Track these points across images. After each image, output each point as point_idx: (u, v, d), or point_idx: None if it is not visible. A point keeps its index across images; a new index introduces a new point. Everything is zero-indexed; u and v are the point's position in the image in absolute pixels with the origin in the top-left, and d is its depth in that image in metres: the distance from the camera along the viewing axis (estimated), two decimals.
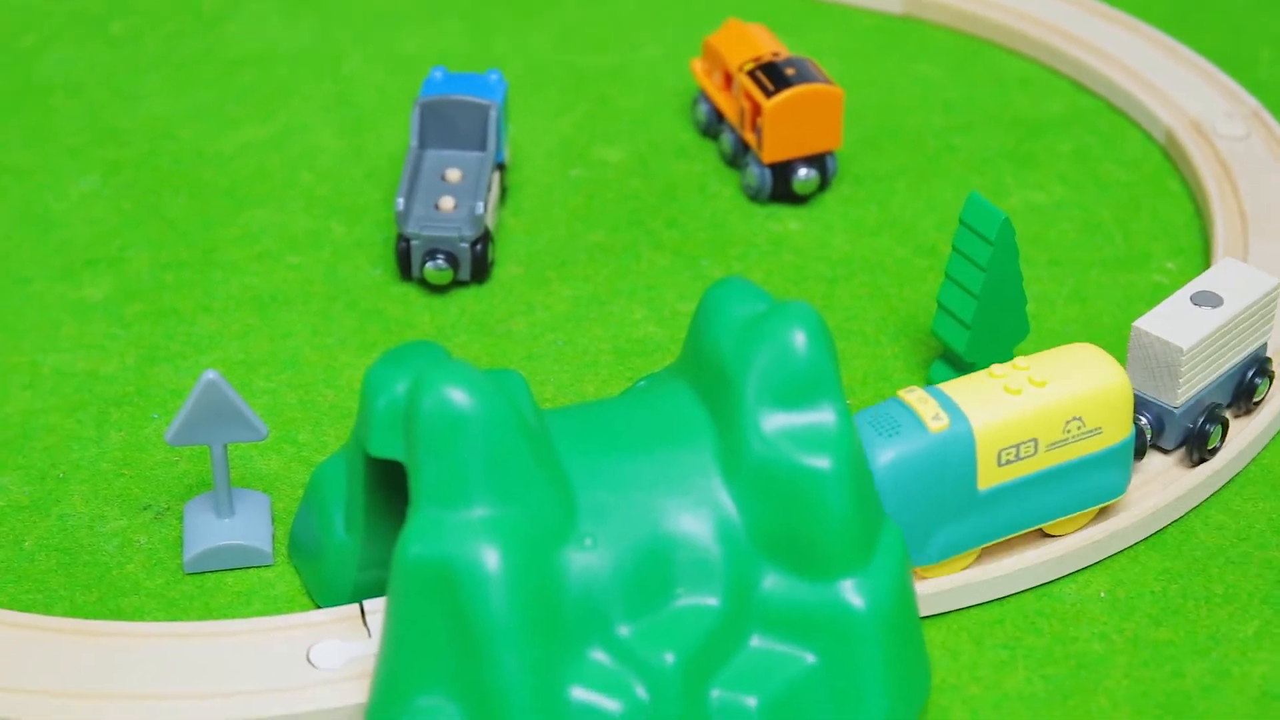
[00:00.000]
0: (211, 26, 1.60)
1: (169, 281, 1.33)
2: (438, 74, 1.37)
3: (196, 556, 1.11)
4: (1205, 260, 1.35)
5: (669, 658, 0.97)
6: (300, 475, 1.18)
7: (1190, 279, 1.33)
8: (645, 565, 0.98)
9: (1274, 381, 1.19)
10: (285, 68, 1.55)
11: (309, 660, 1.03)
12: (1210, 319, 1.14)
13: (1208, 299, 1.15)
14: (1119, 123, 1.50)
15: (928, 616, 1.09)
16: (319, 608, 1.09)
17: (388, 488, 1.05)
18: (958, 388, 1.07)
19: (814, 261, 1.36)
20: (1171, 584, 1.11)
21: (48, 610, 1.09)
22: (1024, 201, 1.41)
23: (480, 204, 1.31)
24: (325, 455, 1.19)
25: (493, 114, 1.34)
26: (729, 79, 1.43)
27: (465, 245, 1.31)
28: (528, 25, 1.60)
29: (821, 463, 0.98)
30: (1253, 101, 1.47)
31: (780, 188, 1.40)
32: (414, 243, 1.31)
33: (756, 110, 1.38)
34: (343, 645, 1.04)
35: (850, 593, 0.99)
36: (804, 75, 1.38)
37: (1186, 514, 1.16)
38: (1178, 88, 1.49)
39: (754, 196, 1.41)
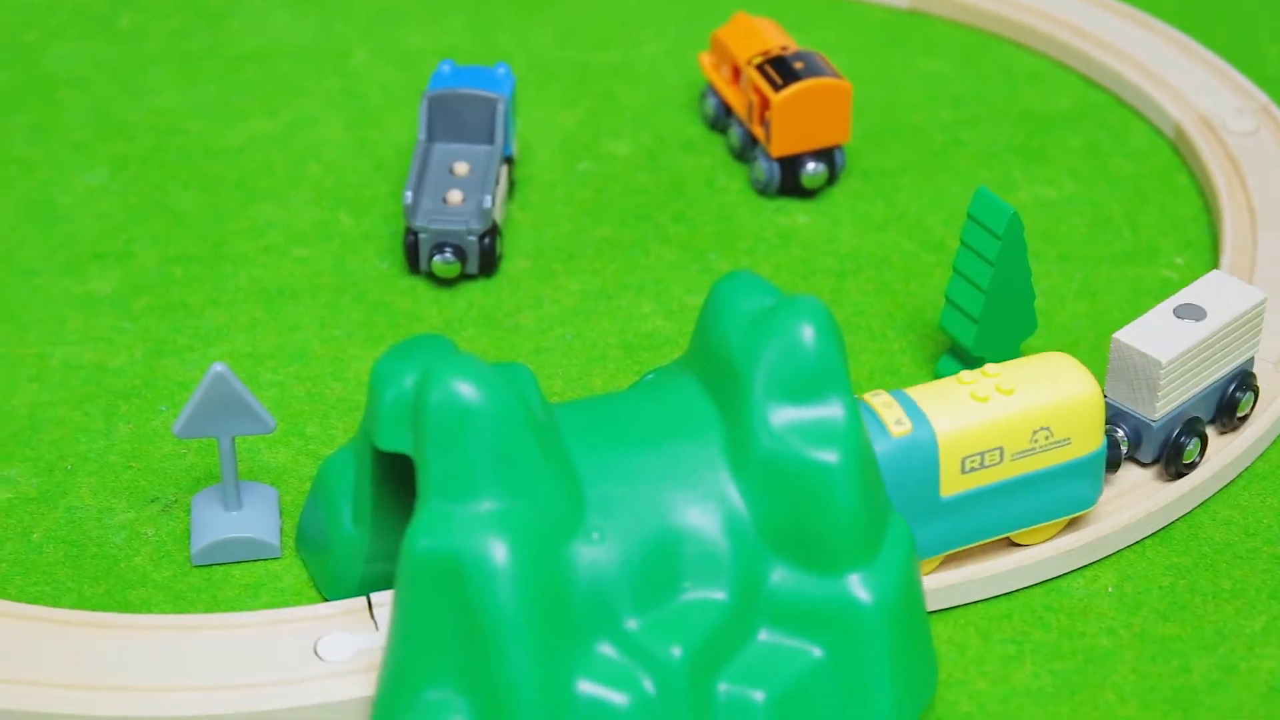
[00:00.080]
0: (217, 21, 1.60)
1: (176, 275, 1.33)
2: (446, 67, 1.37)
3: (204, 549, 1.11)
4: (1214, 255, 1.35)
5: (676, 651, 0.97)
6: (308, 468, 1.18)
7: (1199, 274, 1.33)
8: (653, 559, 0.98)
9: (1259, 396, 1.17)
10: (290, 62, 1.55)
11: (316, 653, 1.03)
12: (1192, 332, 1.12)
13: (1191, 312, 1.13)
14: (1128, 117, 1.49)
15: (935, 611, 1.09)
16: (326, 601, 1.09)
17: (395, 481, 1.05)
18: (924, 393, 1.06)
19: (822, 256, 1.36)
20: (1179, 579, 1.11)
21: (55, 602, 1.09)
22: (1032, 196, 1.41)
23: (488, 197, 1.31)
24: (333, 448, 1.19)
25: (501, 108, 1.34)
26: (737, 73, 1.43)
27: (473, 239, 1.31)
28: (531, 21, 1.60)
29: (829, 457, 0.98)
30: (1262, 97, 1.47)
31: (788, 182, 1.40)
32: (422, 236, 1.31)
33: (765, 104, 1.38)
34: (350, 638, 1.04)
35: (857, 587, 0.99)
36: (812, 69, 1.38)
37: (1194, 509, 1.16)
38: (1187, 83, 1.49)
39: (762, 190, 1.41)
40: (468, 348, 1.27)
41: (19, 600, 1.09)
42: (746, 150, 1.43)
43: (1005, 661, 1.06)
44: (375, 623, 1.05)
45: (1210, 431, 1.17)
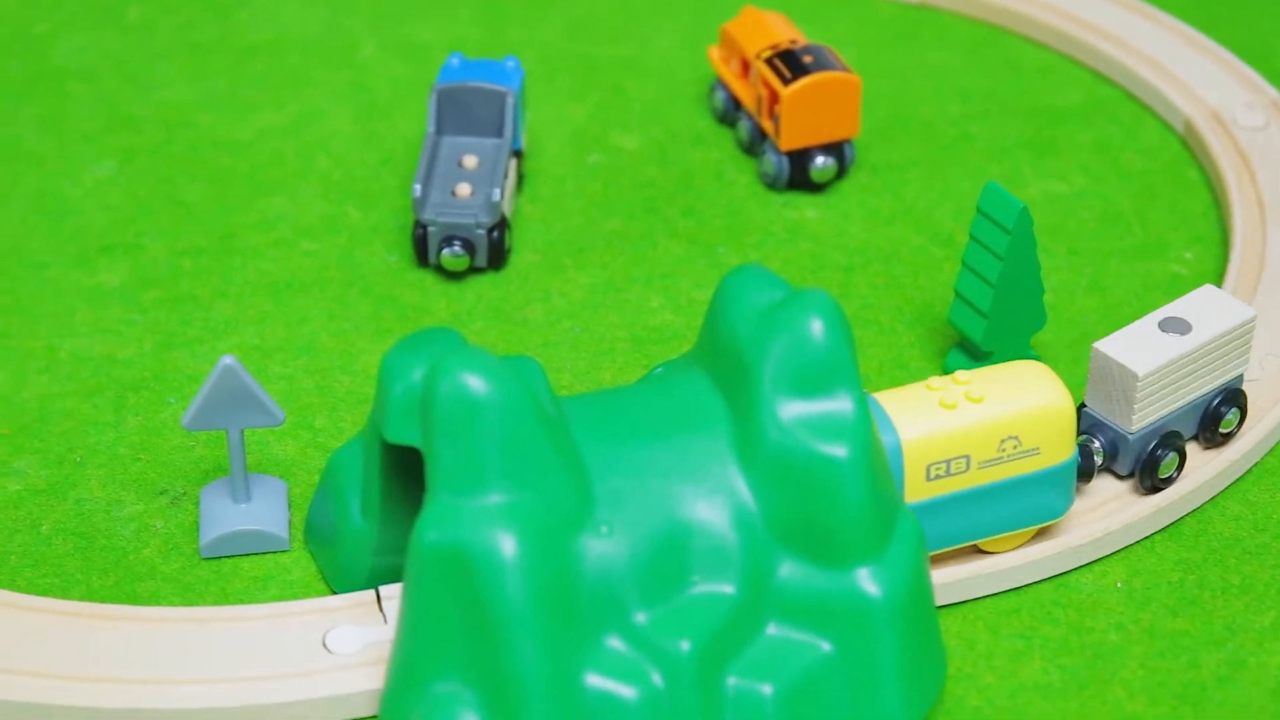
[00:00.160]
0: (225, 14, 1.60)
1: (186, 267, 1.33)
2: (455, 60, 1.37)
3: (213, 541, 1.11)
4: (1224, 250, 1.35)
5: (685, 645, 0.97)
6: (317, 461, 1.18)
7: (1209, 269, 1.33)
8: (661, 552, 0.98)
9: (1246, 415, 1.16)
10: (299, 55, 1.55)
11: (325, 646, 1.03)
12: (1173, 346, 1.11)
13: (1176, 325, 1.12)
14: (1138, 112, 1.49)
15: (944, 606, 1.08)
16: (335, 593, 1.09)
17: (404, 474, 1.05)
18: (891, 398, 1.05)
19: (831, 250, 1.35)
20: (1188, 574, 1.11)
21: (64, 594, 1.09)
22: (1042, 191, 1.41)
23: (497, 191, 1.31)
24: (342, 441, 1.19)
25: (510, 101, 1.34)
26: (746, 66, 1.43)
27: (482, 232, 1.31)
28: (541, 14, 1.60)
29: (838, 451, 0.98)
30: (1273, 92, 1.46)
31: (797, 175, 1.40)
32: (431, 229, 1.31)
33: (774, 98, 1.38)
34: (359, 631, 1.04)
35: (866, 581, 0.99)
36: (822, 63, 1.38)
37: (1204, 504, 1.16)
38: (1197, 78, 1.48)
39: (771, 184, 1.41)
40: (476, 341, 1.27)
41: (28, 592, 1.09)
42: (755, 144, 1.43)
43: (1014, 656, 1.06)
44: (384, 615, 1.05)
45: (1194, 447, 1.15)
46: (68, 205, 1.39)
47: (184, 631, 1.04)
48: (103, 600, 1.09)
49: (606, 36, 1.58)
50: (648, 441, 1.01)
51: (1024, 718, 1.03)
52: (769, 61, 1.39)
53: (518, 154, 1.39)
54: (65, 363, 1.25)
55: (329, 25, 1.59)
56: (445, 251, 1.31)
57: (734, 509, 0.99)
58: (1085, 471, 1.11)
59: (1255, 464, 1.18)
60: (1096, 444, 1.12)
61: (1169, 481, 1.13)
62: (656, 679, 0.96)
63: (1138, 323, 1.13)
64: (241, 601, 1.09)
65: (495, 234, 1.31)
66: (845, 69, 1.38)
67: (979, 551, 1.09)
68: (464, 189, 1.32)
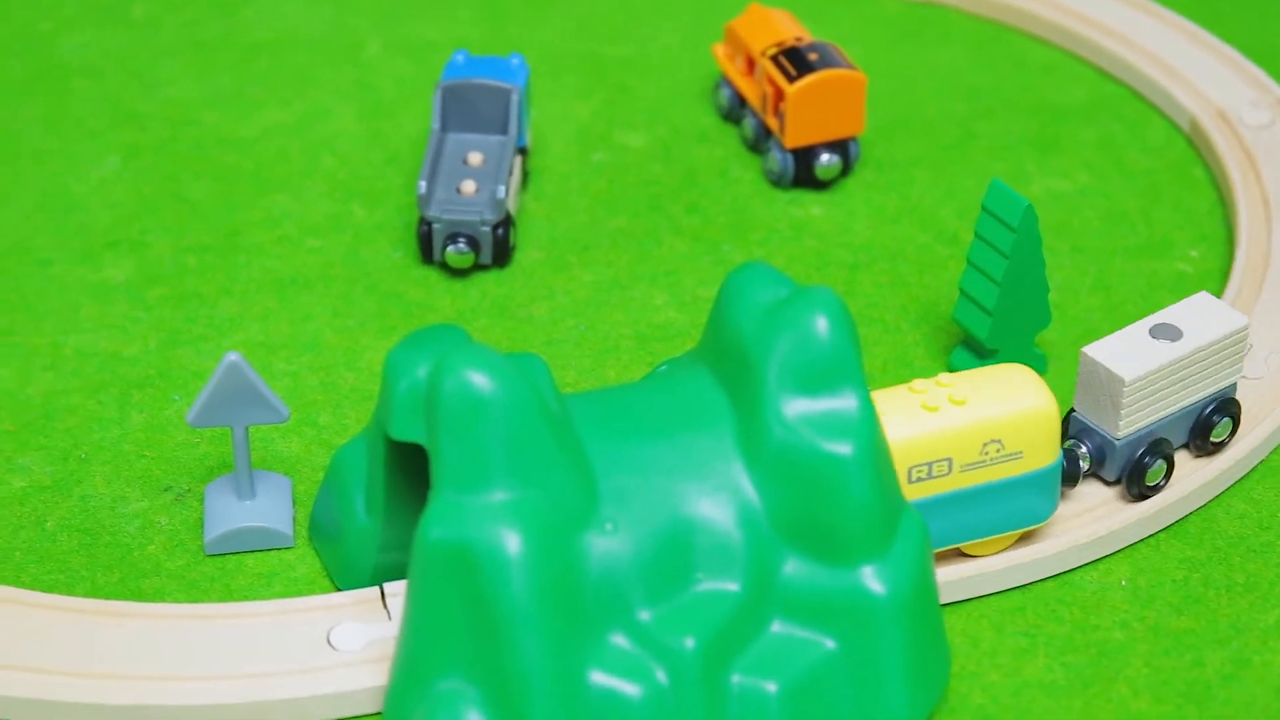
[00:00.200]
0: (230, 11, 1.60)
1: (190, 265, 1.33)
2: (459, 57, 1.37)
3: (217, 538, 1.11)
4: (1229, 249, 1.35)
5: (689, 643, 0.97)
6: (321, 457, 1.18)
7: (1214, 267, 1.33)
8: (666, 550, 0.98)
9: (1239, 424, 1.15)
10: (304, 53, 1.55)
11: (329, 642, 1.03)
12: (1163, 353, 1.10)
13: (1167, 332, 1.11)
14: (1142, 110, 1.49)
15: (948, 604, 1.08)
16: (339, 590, 1.09)
17: (408, 471, 1.05)
18: (873, 400, 1.04)
19: (836, 247, 1.35)
20: (1193, 573, 1.11)
21: (69, 591, 1.09)
22: (1046, 189, 1.41)
23: (502, 188, 1.31)
24: (346, 438, 1.19)
25: (514, 98, 1.34)
26: (751, 64, 1.43)
27: (486, 229, 1.31)
28: (545, 12, 1.60)
29: (843, 449, 0.98)
30: (1278, 90, 1.46)
31: (802, 173, 1.40)
32: (435, 226, 1.31)
33: (779, 95, 1.38)
34: (363, 628, 1.04)
35: (871, 579, 0.99)
36: (827, 60, 1.38)
37: (1209, 503, 1.15)
38: (1202, 75, 1.48)
39: (776, 182, 1.41)
40: (481, 338, 1.27)
41: (33, 589, 1.09)
42: (760, 141, 1.43)
43: (1018, 654, 1.06)
44: (388, 612, 1.05)
45: (1185, 455, 1.15)
46: (72, 202, 1.39)
47: (188, 628, 1.04)
48: (107, 597, 1.09)
49: (611, 34, 1.58)
50: (652, 439, 1.01)
51: (1028, 716, 1.03)
52: (774, 59, 1.39)
53: (522, 151, 1.39)
54: (70, 359, 1.25)
55: (334, 23, 1.59)
56: (450, 249, 1.31)
57: (738, 506, 0.99)
58: (1070, 476, 1.10)
59: (1260, 462, 1.18)
60: (1084, 449, 1.11)
61: (1156, 489, 1.12)
62: (661, 676, 0.96)
63: (1129, 328, 1.12)
64: (246, 598, 1.09)
65: (500, 231, 1.31)
66: (850, 66, 1.38)
67: (961, 555, 1.09)
68: (469, 186, 1.32)
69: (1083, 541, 1.10)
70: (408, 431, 1.00)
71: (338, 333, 1.28)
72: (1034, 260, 1.19)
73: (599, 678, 0.96)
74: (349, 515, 1.08)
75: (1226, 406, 1.14)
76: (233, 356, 1.06)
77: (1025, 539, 1.10)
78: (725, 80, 1.46)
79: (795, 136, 1.38)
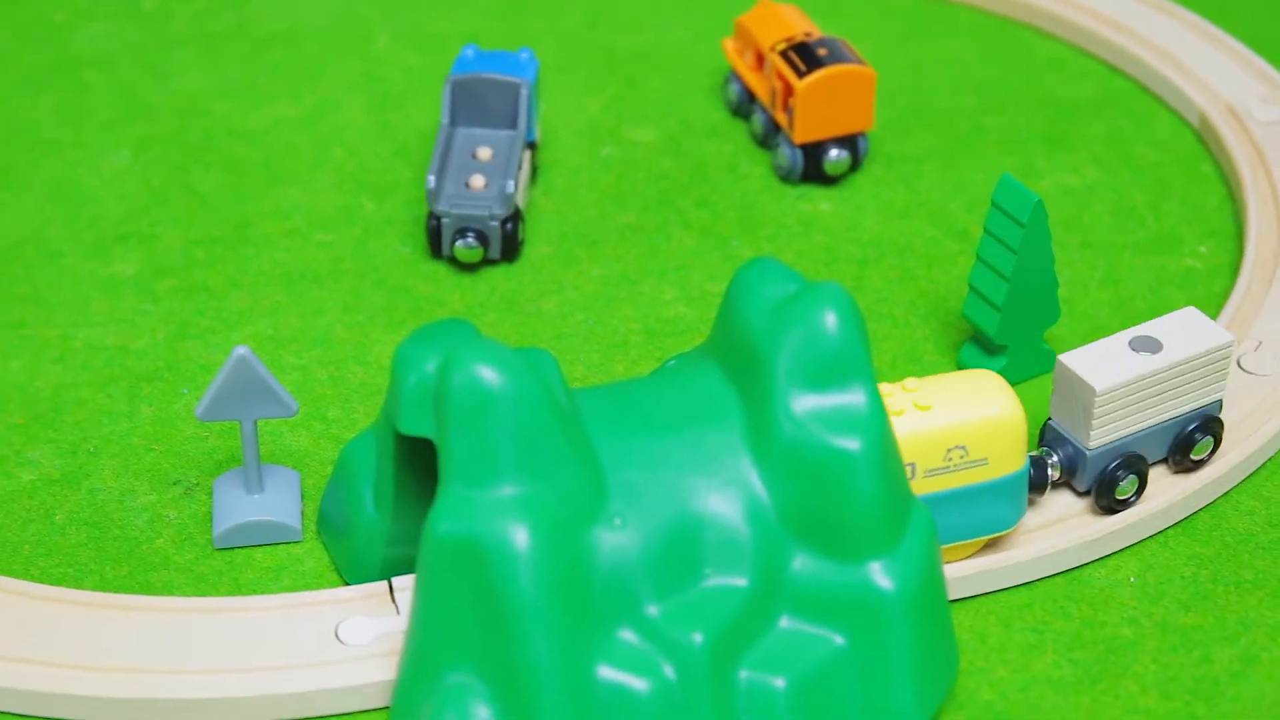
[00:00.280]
0: (241, 3, 1.60)
1: (200, 258, 1.34)
2: (469, 52, 1.37)
3: (226, 532, 1.11)
4: (1238, 244, 1.35)
5: (697, 638, 0.97)
6: (330, 452, 1.18)
7: (1223, 263, 1.33)
8: (674, 545, 0.98)
9: (1220, 444, 1.13)
10: (315, 45, 1.55)
11: (337, 637, 1.04)
12: (1137, 365, 1.09)
13: (1147, 344, 1.10)
14: (1152, 105, 1.49)
15: (956, 599, 1.08)
16: (348, 584, 1.09)
17: (417, 465, 1.05)
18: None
19: (845, 243, 1.35)
20: (1201, 569, 1.11)
21: (78, 584, 1.10)
22: (1056, 184, 1.41)
23: (511, 182, 1.31)
24: (355, 432, 1.19)
25: (524, 92, 1.34)
26: (761, 59, 1.43)
27: (495, 223, 1.31)
28: (555, 6, 1.60)
29: (851, 444, 0.98)
30: None
31: (811, 168, 1.40)
32: (444, 220, 1.31)
33: (788, 90, 1.38)
34: (371, 622, 1.04)
35: (879, 575, 0.99)
36: (836, 55, 1.38)
37: (1217, 499, 1.15)
38: (1212, 70, 1.48)
39: (785, 177, 1.41)
40: (489, 333, 1.27)
41: (41, 582, 1.09)
42: (770, 137, 1.43)
43: (1026, 650, 1.06)
44: (396, 607, 1.05)
45: (1162, 470, 1.13)
46: (85, 194, 1.39)
47: (197, 622, 1.04)
48: (116, 590, 1.09)
49: (620, 29, 1.58)
50: (661, 434, 1.01)
51: (1036, 712, 1.03)
52: (784, 54, 1.39)
53: (532, 146, 1.39)
54: (79, 352, 1.25)
55: (344, 15, 1.59)
56: (459, 243, 1.31)
57: (747, 502, 0.99)
58: (1037, 483, 1.09)
59: (1269, 459, 1.18)
60: (1054, 458, 1.10)
61: (1126, 504, 1.11)
62: (669, 671, 0.96)
63: (1109, 338, 1.11)
64: (254, 592, 1.09)
65: (509, 226, 1.31)
66: (860, 62, 1.38)
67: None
68: (478, 181, 1.32)
69: (1091, 538, 1.10)
70: (416, 426, 1.01)
71: (347, 327, 1.28)
72: (1043, 255, 1.19)
73: (607, 672, 0.96)
74: (357, 509, 1.08)
75: (1209, 425, 1.12)
76: (241, 350, 1.06)
77: (991, 545, 1.09)
78: (734, 75, 1.46)
79: (804, 132, 1.38)
